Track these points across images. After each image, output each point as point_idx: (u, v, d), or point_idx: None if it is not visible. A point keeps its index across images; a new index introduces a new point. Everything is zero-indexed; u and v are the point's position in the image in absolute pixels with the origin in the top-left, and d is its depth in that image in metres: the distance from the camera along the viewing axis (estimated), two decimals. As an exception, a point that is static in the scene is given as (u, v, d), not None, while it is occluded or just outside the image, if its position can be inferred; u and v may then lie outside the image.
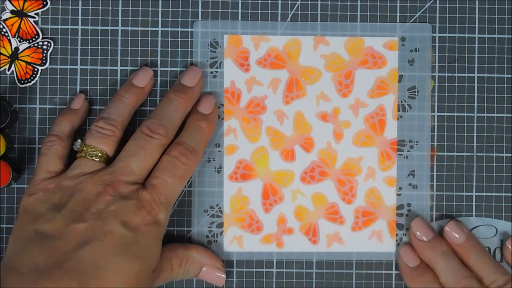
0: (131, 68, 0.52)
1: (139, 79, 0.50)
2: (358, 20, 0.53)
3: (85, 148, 0.47)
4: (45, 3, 0.52)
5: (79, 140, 0.48)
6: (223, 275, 0.51)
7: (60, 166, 0.48)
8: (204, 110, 0.50)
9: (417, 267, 0.51)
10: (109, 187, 0.45)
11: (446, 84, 0.53)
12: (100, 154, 0.47)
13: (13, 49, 0.52)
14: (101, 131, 0.48)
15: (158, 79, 0.52)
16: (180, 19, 0.52)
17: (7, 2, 0.52)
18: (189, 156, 0.48)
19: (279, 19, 0.53)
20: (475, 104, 0.53)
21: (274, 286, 0.52)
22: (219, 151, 0.52)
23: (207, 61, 0.52)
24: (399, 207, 0.53)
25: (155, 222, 0.45)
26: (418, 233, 0.51)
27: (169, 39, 0.52)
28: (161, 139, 0.47)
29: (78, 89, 0.52)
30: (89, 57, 0.52)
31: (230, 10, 0.52)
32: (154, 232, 0.46)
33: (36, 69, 0.52)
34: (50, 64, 0.52)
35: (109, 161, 0.48)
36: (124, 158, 0.47)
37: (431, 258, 0.50)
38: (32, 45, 0.52)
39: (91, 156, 0.47)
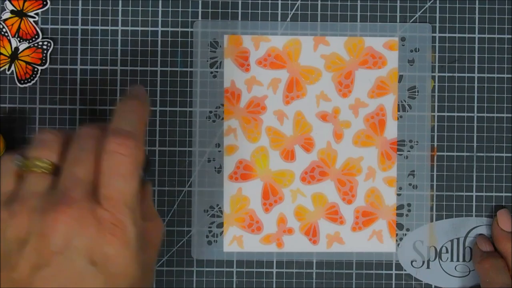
0: (131, 68, 0.52)
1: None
2: (358, 20, 0.53)
3: (26, 162, 0.40)
4: (45, 3, 0.52)
5: (18, 155, 0.40)
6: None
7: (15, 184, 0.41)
8: (135, 93, 0.43)
9: (489, 252, 0.52)
10: (61, 214, 0.37)
11: (446, 84, 0.53)
12: (45, 165, 0.40)
13: (13, 49, 0.52)
14: (41, 138, 0.40)
15: (158, 79, 0.52)
16: (180, 19, 0.52)
17: (7, 2, 0.52)
18: (128, 143, 0.39)
19: (279, 19, 0.53)
20: (475, 104, 0.53)
21: (274, 286, 0.52)
22: (219, 151, 0.52)
23: (207, 61, 0.52)
24: (399, 207, 0.53)
25: (126, 243, 0.38)
26: (501, 222, 0.52)
27: (169, 39, 0.52)
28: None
29: (78, 89, 0.52)
30: (89, 57, 0.52)
31: (230, 10, 0.52)
32: (128, 254, 0.38)
33: (36, 69, 0.52)
34: (50, 64, 0.52)
35: (58, 170, 0.40)
36: (68, 168, 0.39)
37: (508, 249, 0.51)
38: (32, 45, 0.52)
39: (36, 168, 0.39)
